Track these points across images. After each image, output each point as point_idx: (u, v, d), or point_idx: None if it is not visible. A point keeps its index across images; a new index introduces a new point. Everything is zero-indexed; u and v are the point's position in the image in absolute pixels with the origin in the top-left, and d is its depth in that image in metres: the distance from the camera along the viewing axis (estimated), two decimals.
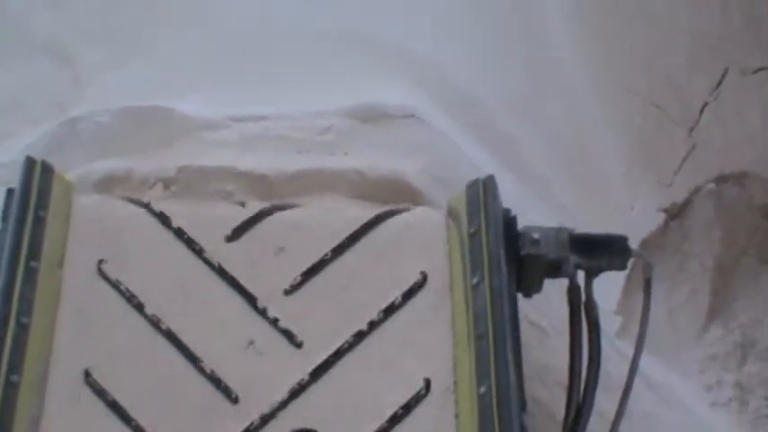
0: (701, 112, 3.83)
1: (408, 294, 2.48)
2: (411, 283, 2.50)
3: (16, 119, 3.54)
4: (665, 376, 3.49)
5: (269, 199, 2.92)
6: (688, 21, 3.90)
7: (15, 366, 2.21)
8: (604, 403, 2.69)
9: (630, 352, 2.69)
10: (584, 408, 2.58)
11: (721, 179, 3.82)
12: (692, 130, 3.82)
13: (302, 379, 2.37)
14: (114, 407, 2.30)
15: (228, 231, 2.58)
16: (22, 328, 2.26)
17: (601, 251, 2.55)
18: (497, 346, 2.31)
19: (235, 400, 2.34)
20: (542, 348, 3.04)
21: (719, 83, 3.86)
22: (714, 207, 3.79)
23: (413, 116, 3.32)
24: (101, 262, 2.46)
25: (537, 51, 3.93)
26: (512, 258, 2.49)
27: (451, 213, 2.62)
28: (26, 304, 2.29)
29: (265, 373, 2.38)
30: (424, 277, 2.51)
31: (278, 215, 2.65)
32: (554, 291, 2.70)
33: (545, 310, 3.04)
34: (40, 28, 3.85)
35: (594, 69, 3.91)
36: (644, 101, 3.87)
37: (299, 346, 2.43)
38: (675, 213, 3.76)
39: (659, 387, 3.41)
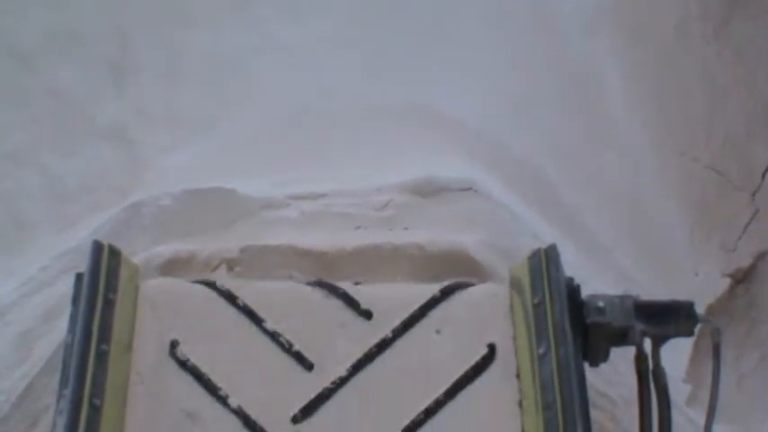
0: (763, 175, 3.80)
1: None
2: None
3: (82, 204, 3.61)
4: None
5: (330, 275, 2.94)
6: (746, 84, 3.89)
7: None
8: None
9: (701, 420, 2.65)
10: None
11: None
12: (754, 194, 3.79)
13: None
14: None
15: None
16: (95, 410, 2.28)
17: (667, 318, 2.52)
18: (566, 416, 2.29)
19: None
20: (612, 419, 3.00)
21: None
22: None
23: (471, 189, 3.34)
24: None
25: (594, 119, 3.95)
26: (577, 327, 2.47)
27: (514, 284, 2.61)
28: (98, 387, 2.32)
29: None
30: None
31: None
32: (622, 360, 2.68)
33: (613, 380, 3.01)
34: (104, 114, 3.94)
35: (653, 136, 3.91)
36: (704, 166, 3.86)
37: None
38: (741, 278, 3.71)
39: None
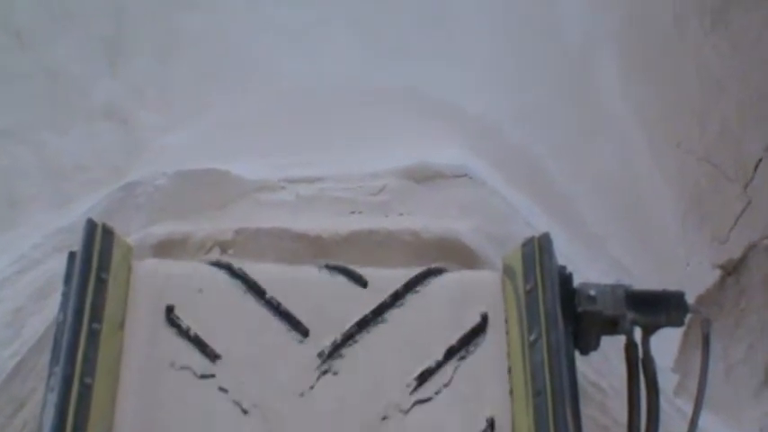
0: (756, 168, 3.81)
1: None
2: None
3: (77, 183, 3.61)
4: None
5: (324, 260, 2.94)
6: (741, 77, 3.89)
7: (80, 425, 2.24)
8: None
9: (689, 410, 2.66)
10: None
11: None
12: (746, 186, 3.80)
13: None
14: None
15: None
16: (86, 389, 2.29)
17: (658, 307, 2.54)
18: (555, 403, 2.30)
19: None
20: (602, 409, 3.02)
21: None
22: None
23: (465, 175, 3.34)
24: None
25: (589, 108, 3.95)
26: (568, 315, 2.49)
27: (507, 271, 2.62)
28: (90, 365, 2.32)
29: None
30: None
31: None
32: (613, 350, 2.69)
33: (604, 370, 3.02)
34: (99, 93, 3.94)
35: (648, 126, 3.92)
36: (698, 157, 3.86)
37: None
38: (731, 269, 3.72)
39: None
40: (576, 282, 2.55)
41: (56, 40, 4.06)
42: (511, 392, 2.46)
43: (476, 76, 3.92)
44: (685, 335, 3.41)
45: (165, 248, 3.00)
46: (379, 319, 2.55)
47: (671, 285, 2.62)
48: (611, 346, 2.66)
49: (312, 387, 2.47)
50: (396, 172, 3.29)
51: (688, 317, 2.57)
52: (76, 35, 4.09)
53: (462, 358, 2.52)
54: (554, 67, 4.03)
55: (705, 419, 2.81)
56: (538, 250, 2.54)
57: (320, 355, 2.49)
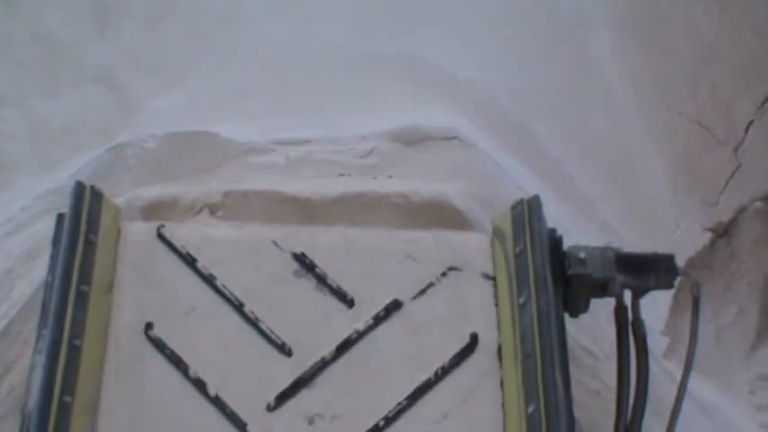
0: (747, 130, 3.80)
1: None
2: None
3: (65, 145, 3.60)
4: (714, 398, 3.46)
5: (313, 222, 2.95)
6: (732, 39, 3.88)
7: (68, 388, 2.24)
8: (653, 427, 2.67)
9: (678, 373, 2.67)
10: (633, 429, 2.57)
11: None
12: (737, 149, 3.79)
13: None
14: None
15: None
16: (75, 351, 2.28)
17: (647, 270, 2.54)
18: (545, 365, 2.31)
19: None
20: (593, 374, 3.03)
21: (765, 101, 3.83)
22: (761, 226, 3.76)
23: (455, 138, 3.34)
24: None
25: (580, 71, 3.93)
26: (558, 278, 2.49)
27: (496, 233, 2.62)
28: (78, 327, 2.31)
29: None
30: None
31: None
32: (604, 315, 2.69)
33: (596, 335, 3.03)
34: (89, 57, 3.91)
35: (638, 88, 3.90)
36: (689, 120, 3.85)
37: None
38: (722, 233, 3.72)
39: (709, 409, 3.37)
40: (566, 244, 2.55)
41: (46, 6, 4.03)
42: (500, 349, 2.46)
43: (466, 40, 3.90)
44: (675, 298, 3.42)
45: (154, 210, 2.99)
46: None
47: (661, 248, 2.62)
48: (602, 311, 2.66)
49: None
50: (385, 134, 3.28)
51: (678, 280, 2.57)
52: (66, 0, 4.06)
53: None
54: (545, 31, 4.01)
55: (695, 383, 2.82)
56: (527, 213, 2.55)
57: None
